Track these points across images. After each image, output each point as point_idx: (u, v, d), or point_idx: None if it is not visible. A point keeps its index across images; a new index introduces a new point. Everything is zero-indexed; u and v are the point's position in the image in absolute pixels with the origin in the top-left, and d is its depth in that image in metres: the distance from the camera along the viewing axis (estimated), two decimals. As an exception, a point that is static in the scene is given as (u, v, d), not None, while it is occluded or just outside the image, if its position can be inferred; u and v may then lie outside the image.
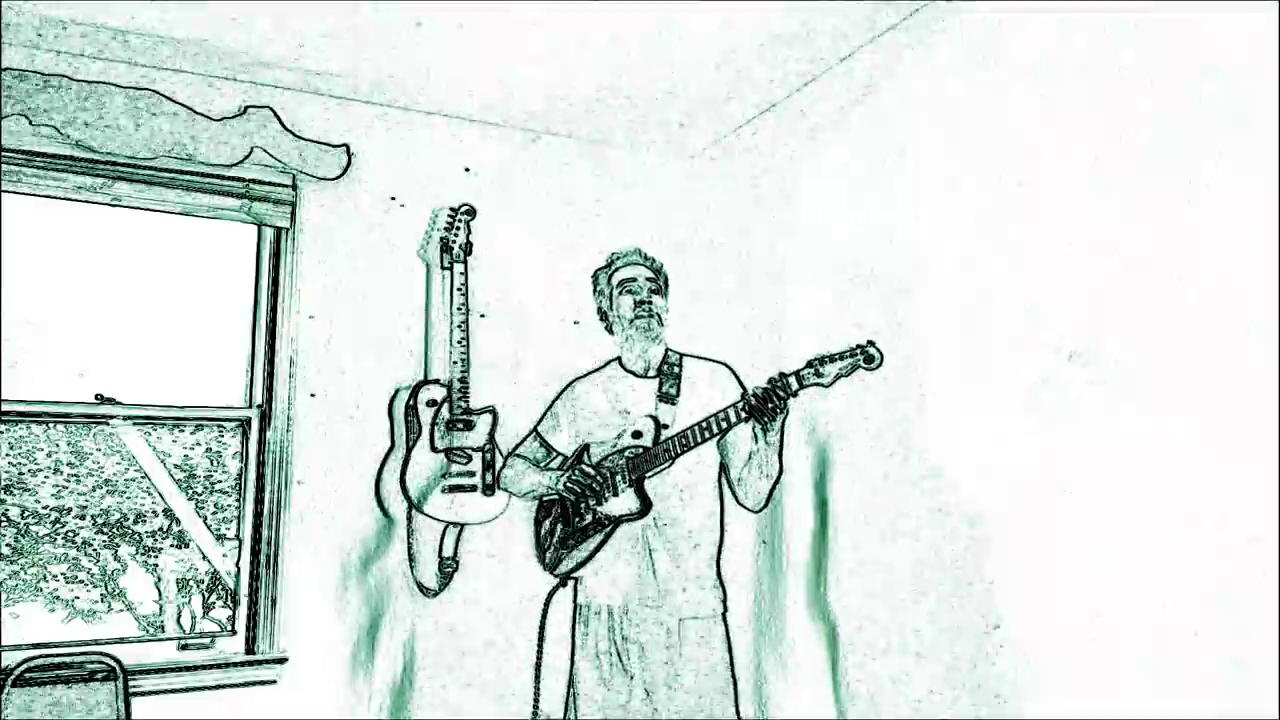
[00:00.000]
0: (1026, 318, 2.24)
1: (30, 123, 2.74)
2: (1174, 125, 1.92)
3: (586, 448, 2.98)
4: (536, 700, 3.02)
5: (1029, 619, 2.20)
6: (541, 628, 3.06)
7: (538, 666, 3.03)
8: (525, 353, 3.32)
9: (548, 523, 3.02)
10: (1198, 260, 1.86)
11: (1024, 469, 2.23)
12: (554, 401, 3.15)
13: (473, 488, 3.08)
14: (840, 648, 2.78)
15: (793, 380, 2.57)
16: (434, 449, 3.06)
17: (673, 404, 2.92)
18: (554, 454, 3.08)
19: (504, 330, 3.32)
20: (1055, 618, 2.13)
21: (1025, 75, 2.29)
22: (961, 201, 2.46)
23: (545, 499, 3.05)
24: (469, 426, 3.10)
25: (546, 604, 3.08)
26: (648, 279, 3.02)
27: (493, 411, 3.15)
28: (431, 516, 3.04)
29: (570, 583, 3.02)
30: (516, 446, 3.16)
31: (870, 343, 2.49)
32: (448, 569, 3.10)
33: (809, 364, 2.55)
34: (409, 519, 3.07)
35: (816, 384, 2.54)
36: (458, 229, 3.19)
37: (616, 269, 3.06)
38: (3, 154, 2.75)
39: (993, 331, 2.34)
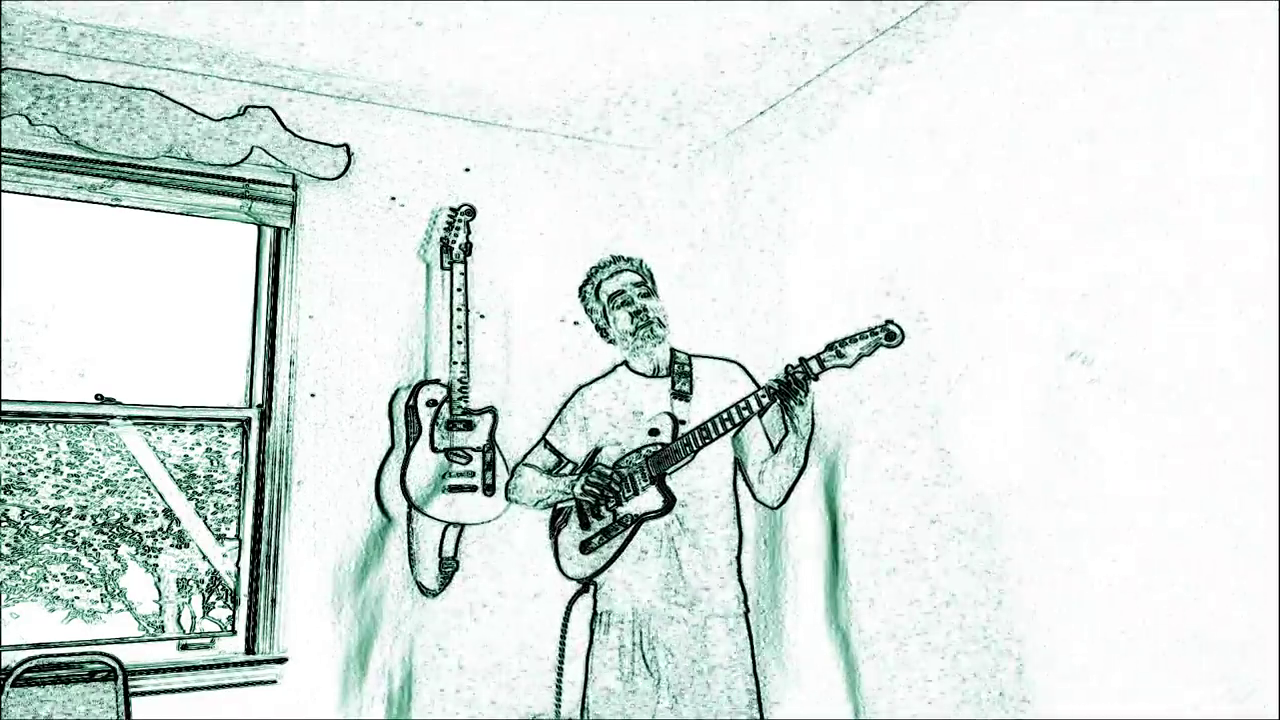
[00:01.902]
0: (1028, 316, 2.24)
1: (30, 123, 2.74)
2: (1175, 124, 1.92)
3: (598, 452, 2.95)
4: (559, 706, 2.98)
5: (1038, 625, 2.20)
6: (563, 635, 3.01)
7: (559, 672, 2.99)
8: (525, 353, 3.32)
9: (565, 531, 2.98)
10: (1199, 259, 1.86)
11: (1033, 471, 2.23)
12: (563, 409, 3.12)
13: (473, 488, 3.08)
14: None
15: (814, 364, 2.54)
16: (434, 449, 3.06)
17: (687, 401, 2.87)
18: (565, 461, 3.04)
19: (504, 330, 3.32)
20: (1062, 622, 2.13)
21: (1024, 75, 2.29)
22: (960, 202, 2.46)
23: (560, 506, 3.01)
24: (469, 427, 3.10)
25: (568, 611, 3.01)
26: (635, 284, 2.97)
27: (493, 411, 3.15)
28: (431, 517, 3.04)
29: (591, 588, 2.97)
30: (525, 456, 3.11)
31: (890, 320, 2.46)
32: (448, 569, 3.10)
33: (829, 346, 2.52)
34: (409, 519, 3.07)
35: (839, 365, 2.51)
36: (458, 229, 3.19)
37: (600, 283, 3.01)
38: (3, 154, 2.75)
39: (990, 331, 2.34)
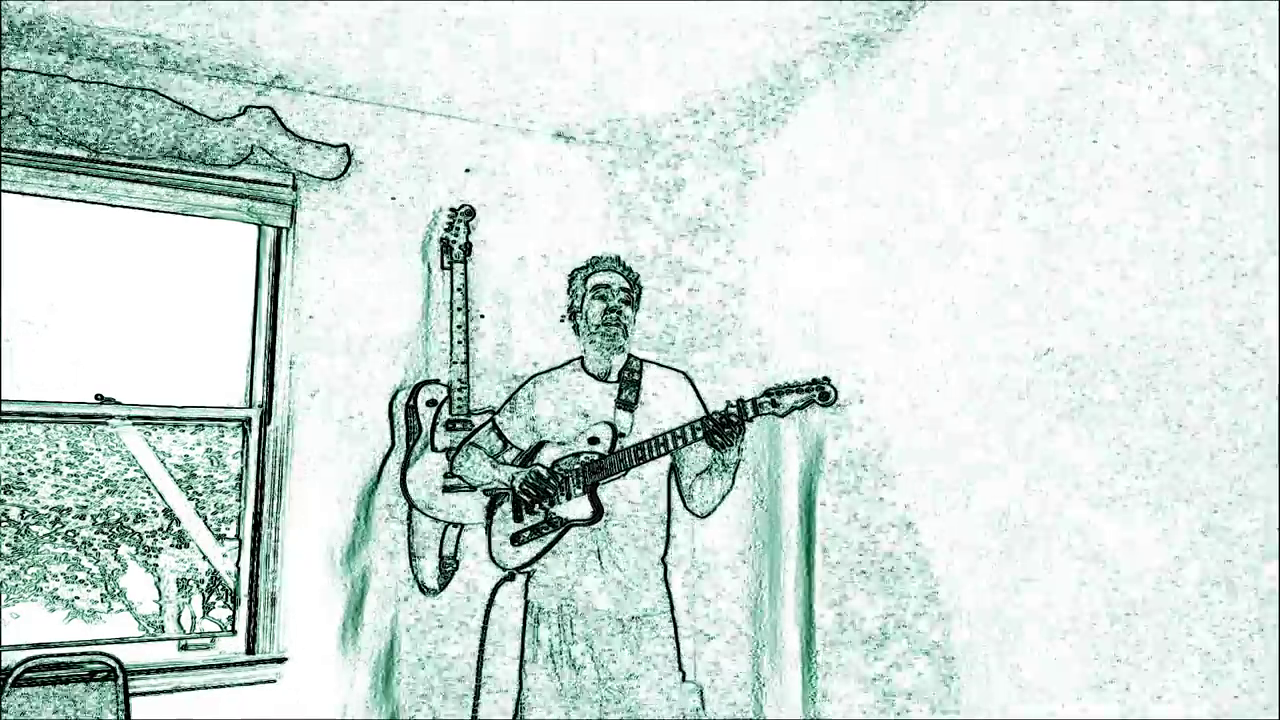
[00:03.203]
0: (1018, 319, 2.24)
1: (30, 123, 2.74)
2: (1171, 122, 1.92)
3: (542, 445, 2.98)
4: (477, 695, 3.03)
5: (1033, 627, 2.21)
6: (485, 622, 3.06)
7: (479, 661, 3.04)
8: (524, 353, 3.33)
9: (498, 516, 3.02)
10: (1194, 259, 1.86)
11: (1024, 472, 2.23)
12: (514, 395, 3.13)
13: (472, 487, 3.08)
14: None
15: (749, 407, 2.66)
16: (434, 449, 3.07)
17: (631, 411, 2.95)
18: (509, 447, 3.07)
19: (503, 330, 3.33)
20: (1060, 622, 2.14)
21: (1023, 74, 2.30)
22: (960, 202, 2.47)
23: (498, 494, 3.04)
24: (469, 426, 3.10)
25: (491, 598, 3.07)
26: (622, 288, 3.02)
27: (492, 412, 3.15)
28: (432, 516, 3.04)
29: (518, 578, 3.03)
30: (472, 434, 3.11)
31: (826, 379, 2.60)
32: (448, 568, 3.10)
33: (767, 392, 2.66)
34: (409, 519, 3.07)
35: (771, 413, 2.65)
36: (458, 229, 3.19)
37: (593, 272, 3.06)
38: (3, 154, 2.75)
39: (985, 331, 2.34)
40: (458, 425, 3.09)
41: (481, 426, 3.12)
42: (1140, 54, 2.00)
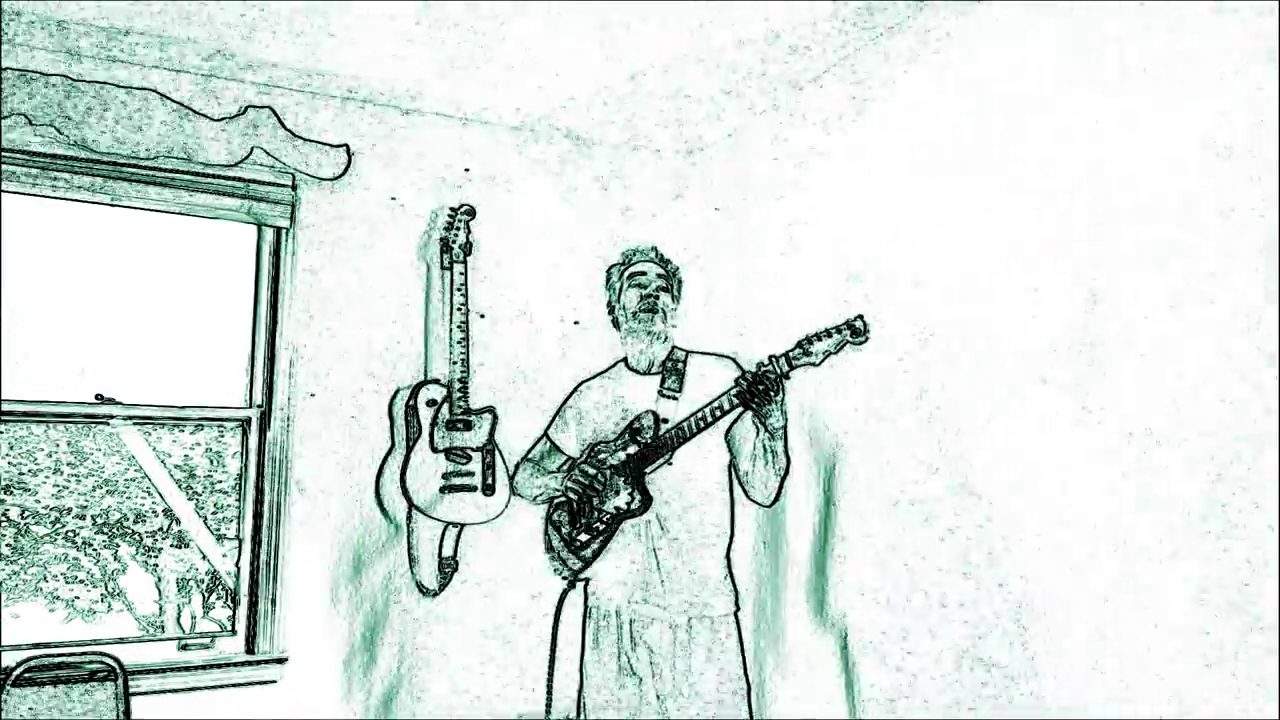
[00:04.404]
0: (1025, 312, 2.24)
1: (30, 123, 2.74)
2: (1175, 120, 1.93)
3: (593, 447, 2.95)
4: (549, 704, 3.00)
5: (1038, 624, 2.21)
6: (554, 630, 3.01)
7: (550, 669, 3.01)
8: (525, 352, 3.33)
9: (555, 526, 3.00)
10: (1196, 258, 1.86)
11: (1031, 469, 2.23)
12: (564, 404, 3.13)
13: (472, 488, 3.08)
14: (851, 649, 2.77)
15: (782, 361, 2.55)
16: (434, 449, 3.06)
17: (674, 399, 2.89)
18: (562, 456, 3.07)
19: (504, 330, 3.33)
20: (1063, 620, 2.14)
21: (1025, 72, 2.30)
22: (961, 202, 2.47)
23: (555, 501, 3.02)
24: (469, 426, 3.10)
25: (559, 606, 3.02)
26: (658, 274, 2.99)
27: (493, 411, 3.15)
28: (431, 517, 3.04)
29: (580, 584, 3.00)
30: (529, 450, 3.15)
31: (859, 317, 2.45)
32: (447, 569, 3.10)
33: (798, 344, 2.53)
34: (409, 519, 3.07)
35: (807, 363, 2.52)
36: (458, 229, 3.19)
37: (630, 264, 3.03)
38: (3, 154, 2.75)
39: (993, 324, 2.34)
40: (458, 425, 3.09)
41: (536, 442, 3.14)
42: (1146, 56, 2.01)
